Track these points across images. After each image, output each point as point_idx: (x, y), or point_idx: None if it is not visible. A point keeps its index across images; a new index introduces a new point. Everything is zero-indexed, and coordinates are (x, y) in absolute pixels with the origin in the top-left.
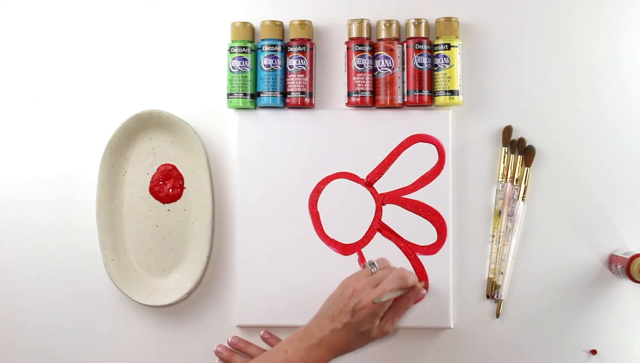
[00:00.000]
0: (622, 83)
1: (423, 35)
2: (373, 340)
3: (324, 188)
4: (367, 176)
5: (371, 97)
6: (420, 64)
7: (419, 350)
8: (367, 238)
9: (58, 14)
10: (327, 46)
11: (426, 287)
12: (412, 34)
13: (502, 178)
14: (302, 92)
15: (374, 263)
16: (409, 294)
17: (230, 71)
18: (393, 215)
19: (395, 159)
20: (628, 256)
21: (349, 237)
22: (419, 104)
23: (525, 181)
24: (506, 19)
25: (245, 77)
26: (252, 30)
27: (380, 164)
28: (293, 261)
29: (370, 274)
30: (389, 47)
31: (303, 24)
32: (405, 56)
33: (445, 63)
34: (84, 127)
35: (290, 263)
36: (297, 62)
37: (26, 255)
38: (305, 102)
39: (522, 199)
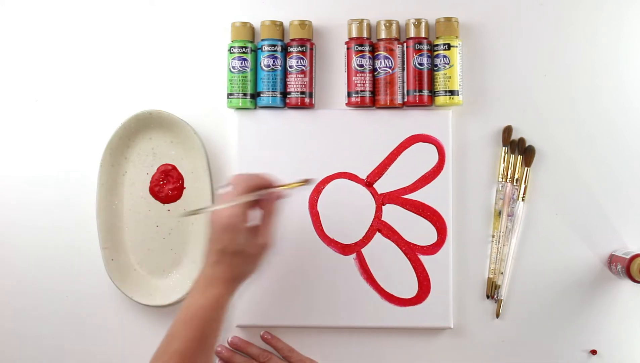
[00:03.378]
0: (622, 83)
1: (423, 35)
2: (256, 256)
3: (324, 188)
4: (367, 176)
5: (371, 97)
6: (420, 64)
7: (419, 350)
8: (367, 238)
9: (58, 14)
10: (327, 46)
11: (307, 182)
12: (412, 34)
13: (502, 178)
14: (302, 92)
15: (222, 186)
16: (268, 198)
17: (230, 71)
18: (393, 215)
19: (395, 159)
20: (628, 256)
21: (349, 237)
22: (419, 104)
23: (525, 181)
24: (506, 19)
25: (245, 77)
26: (252, 30)
27: (380, 164)
28: (293, 261)
29: (224, 197)
30: (389, 47)
31: (303, 24)
32: (405, 56)
33: (445, 63)
34: (84, 127)
35: (290, 263)
36: (297, 62)
37: (26, 255)
38: (305, 102)
39: (522, 199)
